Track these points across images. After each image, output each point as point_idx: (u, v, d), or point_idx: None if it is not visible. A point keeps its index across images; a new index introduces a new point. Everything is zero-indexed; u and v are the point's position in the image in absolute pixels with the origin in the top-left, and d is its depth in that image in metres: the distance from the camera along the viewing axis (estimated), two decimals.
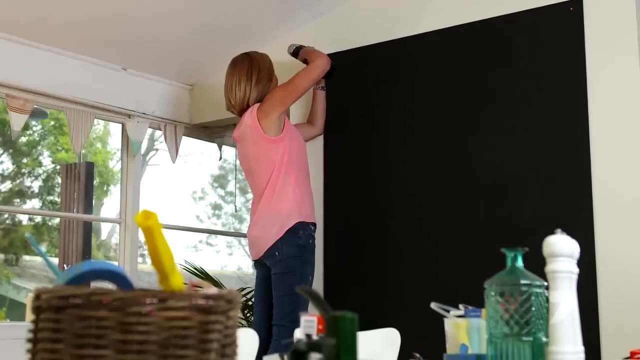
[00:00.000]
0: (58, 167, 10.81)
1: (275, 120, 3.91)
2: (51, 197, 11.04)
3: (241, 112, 4.04)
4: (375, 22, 4.34)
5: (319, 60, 4.09)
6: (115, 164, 11.16)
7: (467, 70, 4.00)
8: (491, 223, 3.79)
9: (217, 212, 12.15)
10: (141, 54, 4.59)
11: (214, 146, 5.33)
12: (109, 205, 11.29)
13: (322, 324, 1.69)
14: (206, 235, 12.33)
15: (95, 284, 1.23)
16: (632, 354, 2.17)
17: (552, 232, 1.81)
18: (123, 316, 1.14)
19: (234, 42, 4.59)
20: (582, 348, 1.77)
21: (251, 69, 4.04)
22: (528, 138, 3.78)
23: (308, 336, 1.35)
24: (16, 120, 4.06)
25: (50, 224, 10.55)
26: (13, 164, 11.05)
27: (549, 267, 1.77)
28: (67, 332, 1.13)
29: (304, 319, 1.71)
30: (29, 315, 1.19)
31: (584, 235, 3.38)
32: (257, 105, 3.98)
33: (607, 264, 3.48)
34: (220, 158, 5.40)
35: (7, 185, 11.12)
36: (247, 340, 1.63)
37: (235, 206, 9.92)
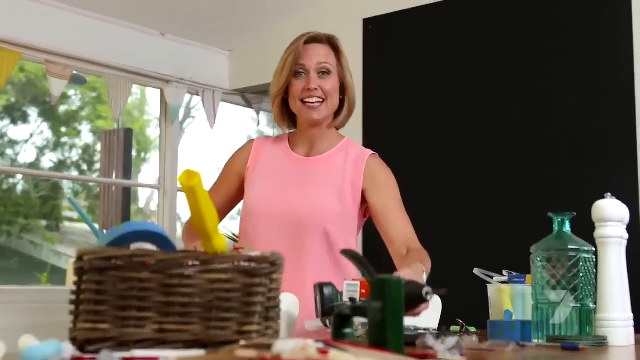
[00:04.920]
0: (96, 136, 10.90)
1: None
2: (90, 167, 11.14)
3: None
4: None
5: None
6: (152, 132, 11.23)
7: (507, 31, 3.92)
8: (536, 187, 3.74)
9: None
10: (179, 20, 4.57)
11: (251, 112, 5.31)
12: (147, 173, 11.38)
13: (365, 289, 1.67)
14: None
15: (136, 246, 1.21)
16: None
17: (598, 197, 1.76)
18: (166, 278, 1.12)
19: (272, 6, 4.55)
20: (631, 315, 1.73)
21: None
22: (572, 100, 3.70)
23: (352, 300, 1.32)
24: (56, 86, 4.07)
25: (90, 193, 10.65)
26: (53, 134, 11.16)
27: (598, 232, 1.73)
28: (110, 294, 1.12)
29: (347, 283, 1.69)
30: (70, 280, 1.18)
31: (628, 200, 3.31)
32: None
33: None
34: (258, 124, 5.38)
35: (48, 155, 11.23)
36: (289, 304, 1.62)
37: None
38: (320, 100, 2.24)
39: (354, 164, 2.27)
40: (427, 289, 1.38)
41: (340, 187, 2.24)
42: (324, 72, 2.25)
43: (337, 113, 2.31)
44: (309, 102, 2.24)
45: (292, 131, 2.38)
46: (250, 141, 2.39)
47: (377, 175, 2.28)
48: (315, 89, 2.23)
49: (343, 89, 2.29)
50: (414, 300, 1.38)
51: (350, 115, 2.34)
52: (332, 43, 2.30)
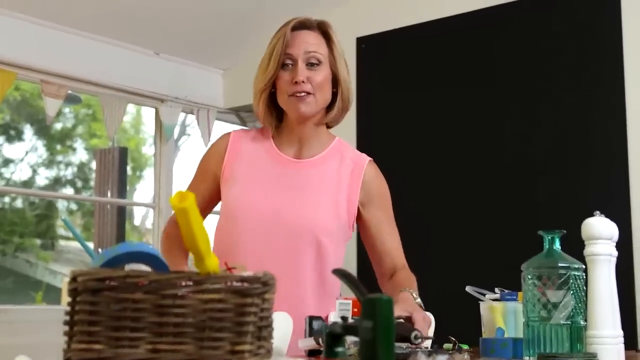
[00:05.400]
0: (90, 154, 10.90)
1: None
2: (85, 184, 11.13)
3: None
4: (403, 5, 4.30)
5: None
6: (148, 149, 11.23)
7: (498, 50, 3.95)
8: (527, 205, 3.75)
9: None
10: (174, 39, 4.60)
11: None
12: (142, 191, 11.35)
13: (357, 307, 1.68)
14: None
15: (130, 267, 1.22)
16: None
17: (590, 214, 1.78)
18: (159, 298, 1.13)
19: (267, 25, 4.57)
20: (621, 332, 1.74)
21: None
22: (563, 118, 3.73)
23: (343, 319, 1.34)
24: (51, 106, 4.09)
25: (85, 210, 10.64)
26: (47, 151, 11.15)
27: (588, 250, 1.74)
28: (104, 315, 1.13)
29: (339, 302, 1.70)
30: (65, 299, 1.19)
31: (620, 217, 3.33)
32: None
33: None
34: None
35: (42, 173, 11.22)
36: (282, 323, 1.63)
37: None
38: (309, 94, 1.99)
39: (350, 172, 2.08)
40: (416, 332, 1.45)
41: (335, 195, 2.04)
42: (313, 63, 2.01)
43: (329, 108, 2.07)
44: (297, 95, 1.99)
45: (276, 127, 2.12)
46: (227, 134, 2.14)
47: (374, 187, 2.12)
48: (303, 81, 1.98)
49: (336, 82, 2.05)
50: (403, 342, 1.45)
51: (344, 111, 2.10)
52: (323, 30, 2.07)
